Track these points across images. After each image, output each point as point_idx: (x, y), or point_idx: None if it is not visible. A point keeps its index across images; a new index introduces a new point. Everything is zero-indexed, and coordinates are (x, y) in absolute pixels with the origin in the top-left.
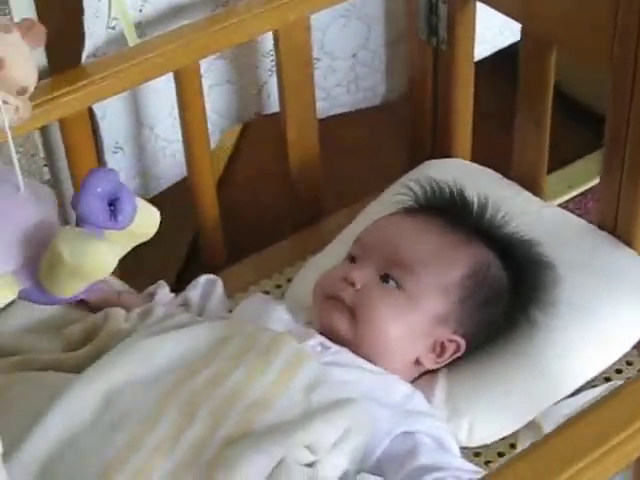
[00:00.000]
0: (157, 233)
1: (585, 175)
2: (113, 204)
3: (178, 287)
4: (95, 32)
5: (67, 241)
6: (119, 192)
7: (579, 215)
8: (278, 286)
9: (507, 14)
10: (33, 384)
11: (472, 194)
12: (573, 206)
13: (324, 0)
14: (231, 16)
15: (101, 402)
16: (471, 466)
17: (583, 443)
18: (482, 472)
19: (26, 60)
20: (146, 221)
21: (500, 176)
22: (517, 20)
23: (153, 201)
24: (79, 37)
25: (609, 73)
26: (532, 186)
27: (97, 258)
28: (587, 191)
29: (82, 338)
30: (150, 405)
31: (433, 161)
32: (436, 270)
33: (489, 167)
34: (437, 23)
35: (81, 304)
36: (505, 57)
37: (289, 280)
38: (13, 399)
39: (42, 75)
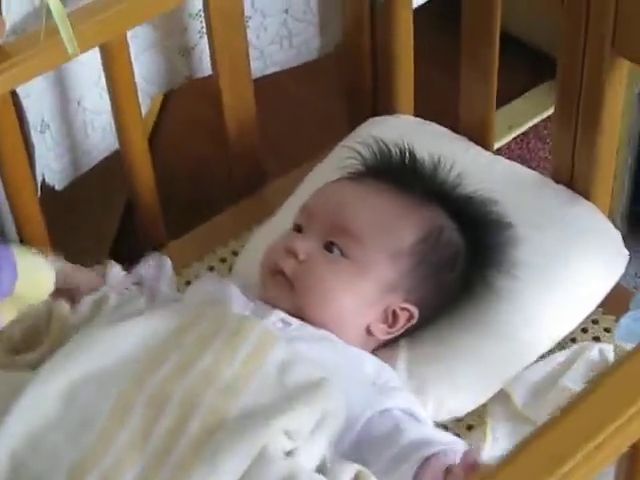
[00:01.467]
0: (89, 208)
1: (525, 114)
2: None
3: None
4: (12, 8)
5: None
6: None
7: (520, 156)
8: (223, 260)
9: None
10: None
11: (423, 153)
12: (515, 146)
13: None
14: None
15: (63, 399)
16: (455, 438)
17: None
18: (469, 444)
19: None
20: (37, 284)
21: (447, 131)
22: None
23: (82, 177)
24: None
25: (562, 16)
26: (481, 139)
27: None
28: (528, 130)
29: (23, 338)
30: (115, 399)
31: (377, 119)
32: (383, 235)
33: (434, 119)
34: None
35: None
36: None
37: (235, 253)
38: None
39: None
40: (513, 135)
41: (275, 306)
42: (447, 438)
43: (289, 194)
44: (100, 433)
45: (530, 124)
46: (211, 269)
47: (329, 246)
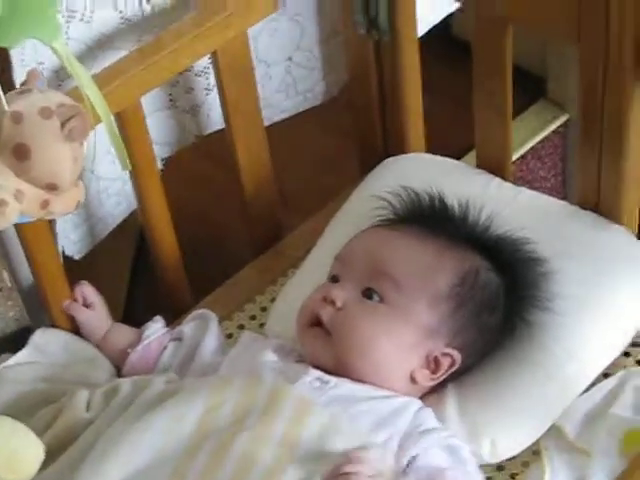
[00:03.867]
0: (98, 274)
1: (522, 137)
2: None
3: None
4: None
5: None
6: None
7: (521, 177)
8: (253, 317)
9: None
10: None
11: (447, 193)
12: (515, 168)
13: (262, 10)
14: (166, 45)
15: None
16: None
17: None
18: None
19: (57, 153)
20: (16, 468)
21: (465, 165)
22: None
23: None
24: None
25: (577, 47)
26: (500, 171)
27: None
28: (527, 153)
29: (44, 424)
30: None
31: (392, 159)
32: (421, 280)
33: (443, 151)
34: (377, 15)
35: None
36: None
37: (263, 309)
38: None
39: None
40: (513, 158)
41: (313, 361)
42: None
43: (308, 244)
44: None
45: (528, 146)
46: (241, 327)
47: (367, 292)
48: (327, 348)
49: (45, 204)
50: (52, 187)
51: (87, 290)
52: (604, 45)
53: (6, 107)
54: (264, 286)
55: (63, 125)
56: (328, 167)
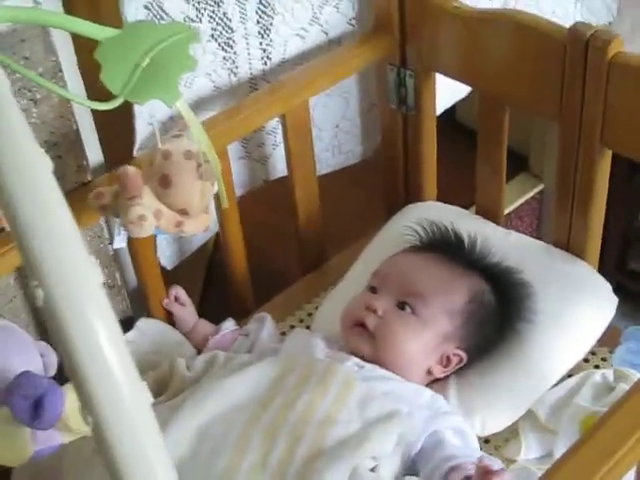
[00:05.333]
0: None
1: (506, 200)
2: (41, 403)
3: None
4: (140, 130)
5: None
6: (45, 394)
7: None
8: (301, 320)
9: (464, 82)
10: None
11: (463, 232)
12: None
13: (320, 86)
14: (245, 108)
15: (197, 436)
16: (477, 454)
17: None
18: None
19: (190, 186)
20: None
21: (467, 212)
22: (472, 86)
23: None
24: (131, 135)
25: (558, 125)
26: (494, 217)
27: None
28: (510, 212)
29: (155, 387)
30: (238, 434)
31: (413, 205)
32: (442, 298)
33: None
34: (406, 94)
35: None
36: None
37: (309, 314)
38: None
39: (99, 171)
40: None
41: (354, 352)
42: (471, 455)
43: (344, 268)
44: (228, 462)
45: (512, 207)
46: (292, 327)
47: (402, 305)
48: (368, 345)
49: (178, 224)
50: (184, 212)
51: (180, 292)
52: (579, 124)
53: (160, 146)
54: (310, 297)
55: (199, 167)
56: (360, 212)
